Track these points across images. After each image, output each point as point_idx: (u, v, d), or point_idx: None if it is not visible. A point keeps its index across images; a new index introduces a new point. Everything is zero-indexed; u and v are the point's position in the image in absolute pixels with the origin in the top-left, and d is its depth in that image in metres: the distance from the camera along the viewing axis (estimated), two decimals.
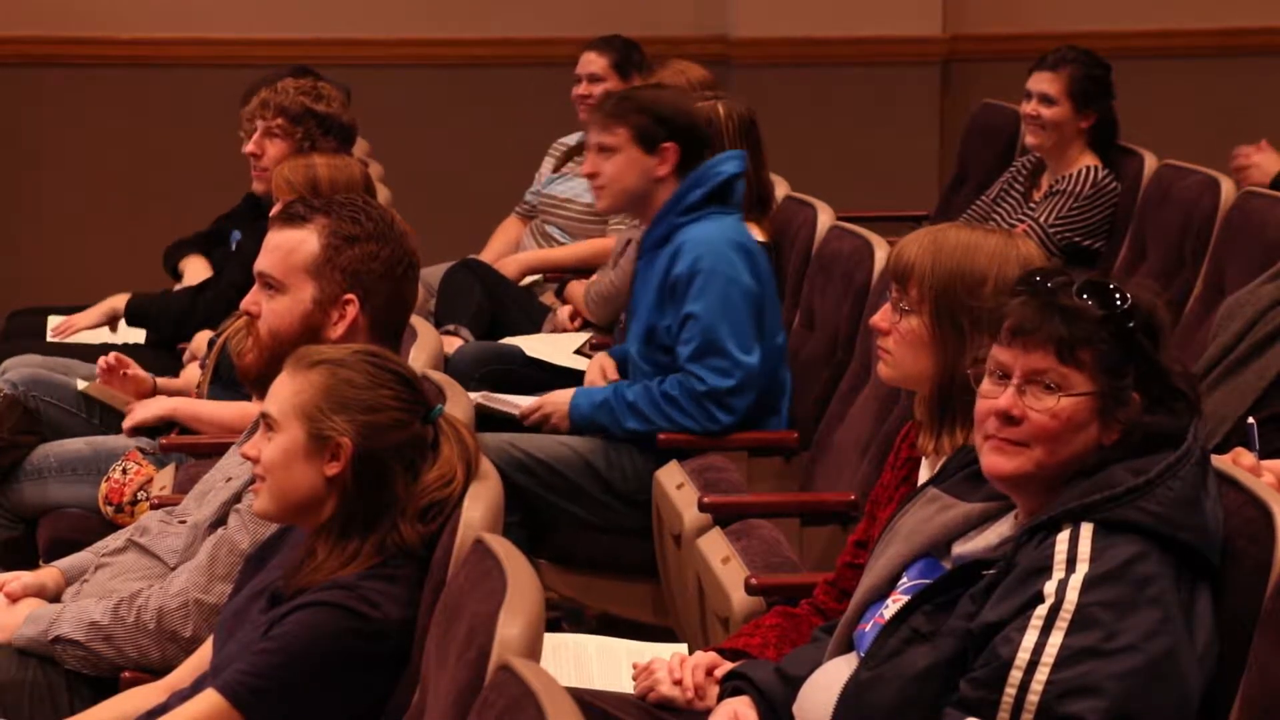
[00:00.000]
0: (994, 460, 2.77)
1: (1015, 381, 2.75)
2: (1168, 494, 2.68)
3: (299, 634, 2.90)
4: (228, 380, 4.58)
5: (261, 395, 3.14)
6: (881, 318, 3.33)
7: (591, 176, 4.76)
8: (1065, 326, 2.72)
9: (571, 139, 6.57)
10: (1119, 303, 2.72)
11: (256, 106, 5.09)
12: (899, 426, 3.56)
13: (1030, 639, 2.61)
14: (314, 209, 3.55)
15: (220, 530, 3.44)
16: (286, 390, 3.02)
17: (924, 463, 3.26)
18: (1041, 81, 5.82)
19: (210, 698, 2.92)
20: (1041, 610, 2.62)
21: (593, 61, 6.46)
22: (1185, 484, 2.69)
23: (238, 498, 3.49)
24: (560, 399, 4.76)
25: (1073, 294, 2.74)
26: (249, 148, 5.13)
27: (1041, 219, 5.63)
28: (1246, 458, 3.36)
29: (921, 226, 6.26)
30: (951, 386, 3.10)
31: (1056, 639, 2.60)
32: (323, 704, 2.92)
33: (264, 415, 3.05)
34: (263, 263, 3.54)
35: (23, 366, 5.20)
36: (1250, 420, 3.44)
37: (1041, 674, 2.59)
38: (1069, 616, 2.61)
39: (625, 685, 3.33)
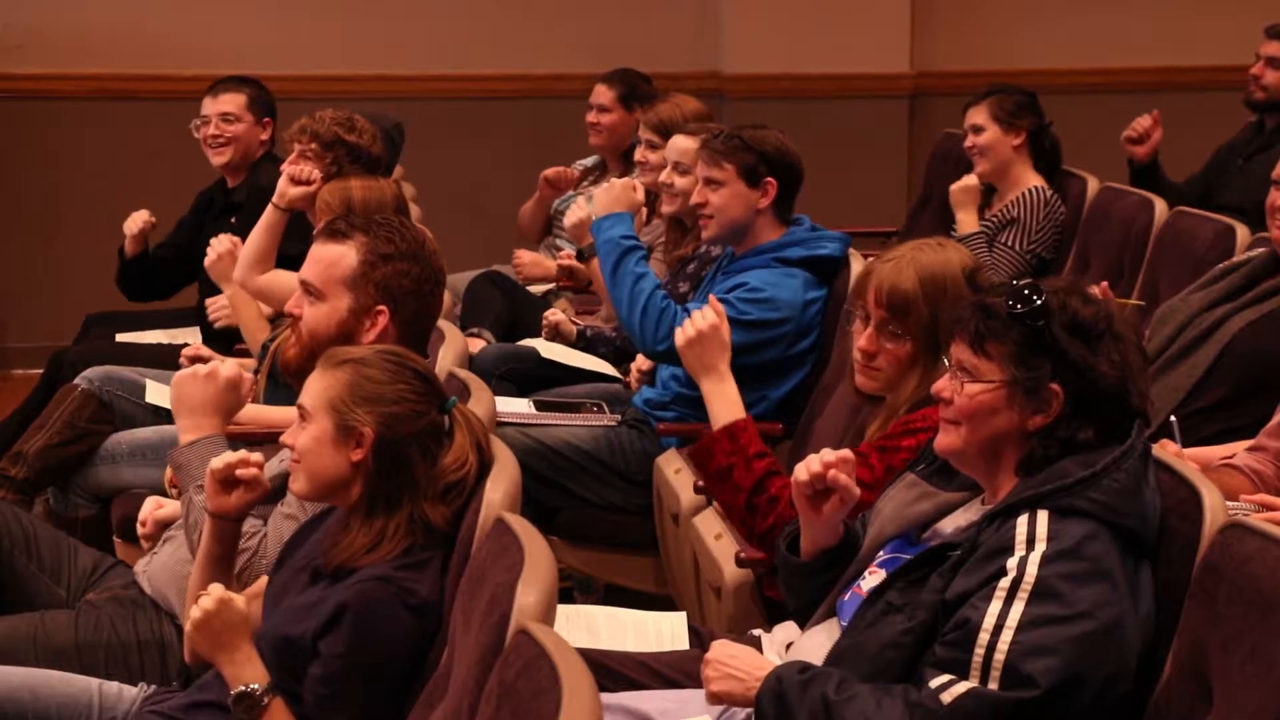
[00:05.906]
0: (938, 437, 2.84)
1: (951, 369, 2.79)
2: (1113, 485, 2.67)
3: (360, 630, 2.87)
4: (281, 380, 4.57)
5: (300, 387, 3.12)
6: (869, 343, 3.32)
7: (700, 207, 4.56)
8: (979, 323, 2.75)
9: (588, 161, 6.55)
10: (1028, 304, 2.72)
11: (296, 131, 5.09)
12: (868, 419, 3.56)
13: (995, 607, 2.61)
14: (354, 227, 3.52)
15: (279, 505, 3.43)
16: (317, 386, 3.02)
17: None
18: (971, 116, 5.86)
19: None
20: (1005, 583, 2.62)
21: (603, 94, 6.43)
22: (1128, 475, 2.69)
23: (286, 478, 3.48)
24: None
25: (996, 296, 2.76)
26: (284, 167, 5.12)
27: (1017, 247, 5.63)
28: (1171, 447, 3.37)
29: (891, 240, 6.30)
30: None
31: (1019, 608, 2.60)
32: (387, 664, 2.89)
33: (299, 406, 3.04)
34: (306, 272, 3.52)
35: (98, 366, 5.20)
36: (1172, 418, 3.46)
37: (1006, 636, 2.59)
38: (1029, 588, 2.61)
39: (629, 647, 3.32)
